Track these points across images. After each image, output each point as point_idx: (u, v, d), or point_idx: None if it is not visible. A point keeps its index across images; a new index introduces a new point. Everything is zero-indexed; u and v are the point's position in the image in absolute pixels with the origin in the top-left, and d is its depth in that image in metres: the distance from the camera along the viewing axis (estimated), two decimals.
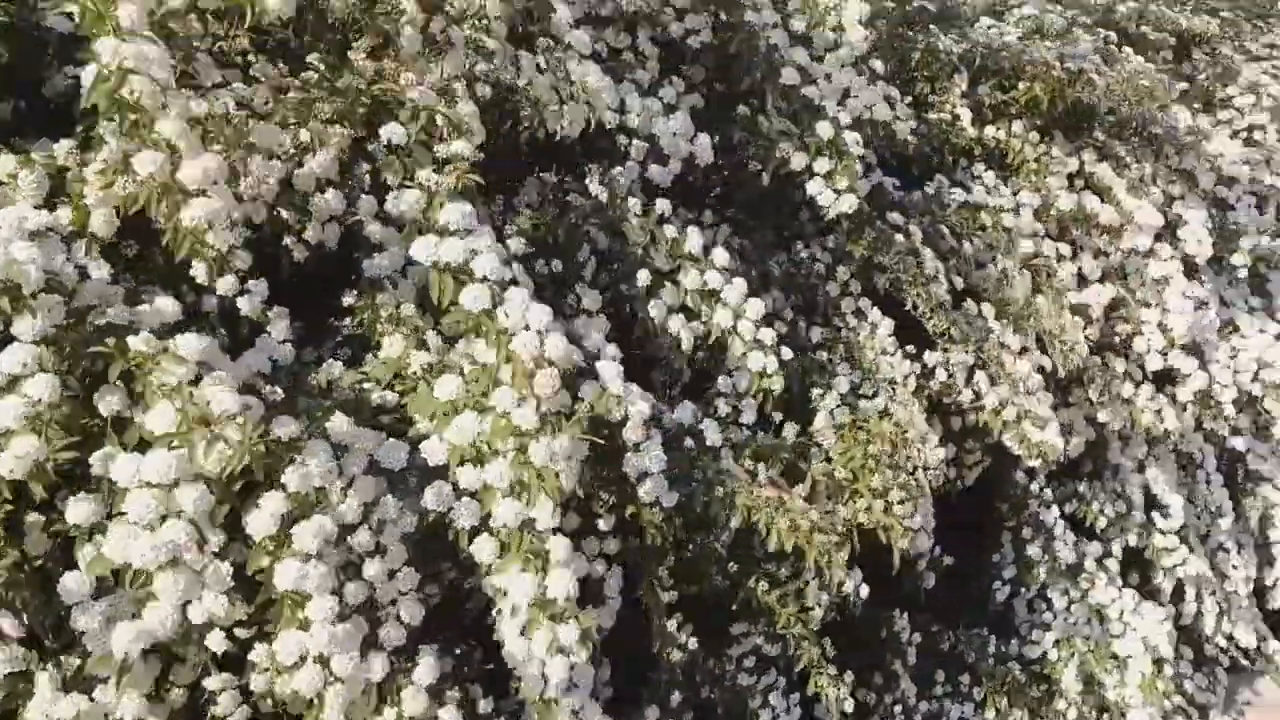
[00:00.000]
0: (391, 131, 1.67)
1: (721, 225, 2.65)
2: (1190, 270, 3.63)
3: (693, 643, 2.25)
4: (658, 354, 2.40)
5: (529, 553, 1.61)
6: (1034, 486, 3.32)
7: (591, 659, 1.68)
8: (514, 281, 1.79)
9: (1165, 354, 3.13)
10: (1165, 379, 3.34)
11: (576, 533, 2.23)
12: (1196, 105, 4.58)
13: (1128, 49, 4.11)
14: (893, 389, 2.56)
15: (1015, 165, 3.21)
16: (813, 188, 2.44)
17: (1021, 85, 3.22)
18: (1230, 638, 4.42)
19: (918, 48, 3.19)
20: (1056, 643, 3.50)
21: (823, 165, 2.40)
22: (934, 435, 2.64)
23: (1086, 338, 3.11)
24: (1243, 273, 3.64)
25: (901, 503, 2.16)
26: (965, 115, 3.07)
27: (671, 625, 2.19)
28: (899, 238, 2.61)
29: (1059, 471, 3.65)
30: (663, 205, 2.21)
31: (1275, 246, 3.99)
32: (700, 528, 2.27)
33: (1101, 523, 3.43)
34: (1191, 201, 3.40)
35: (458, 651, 2.05)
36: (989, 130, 3.20)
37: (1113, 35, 3.99)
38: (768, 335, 2.16)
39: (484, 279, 1.61)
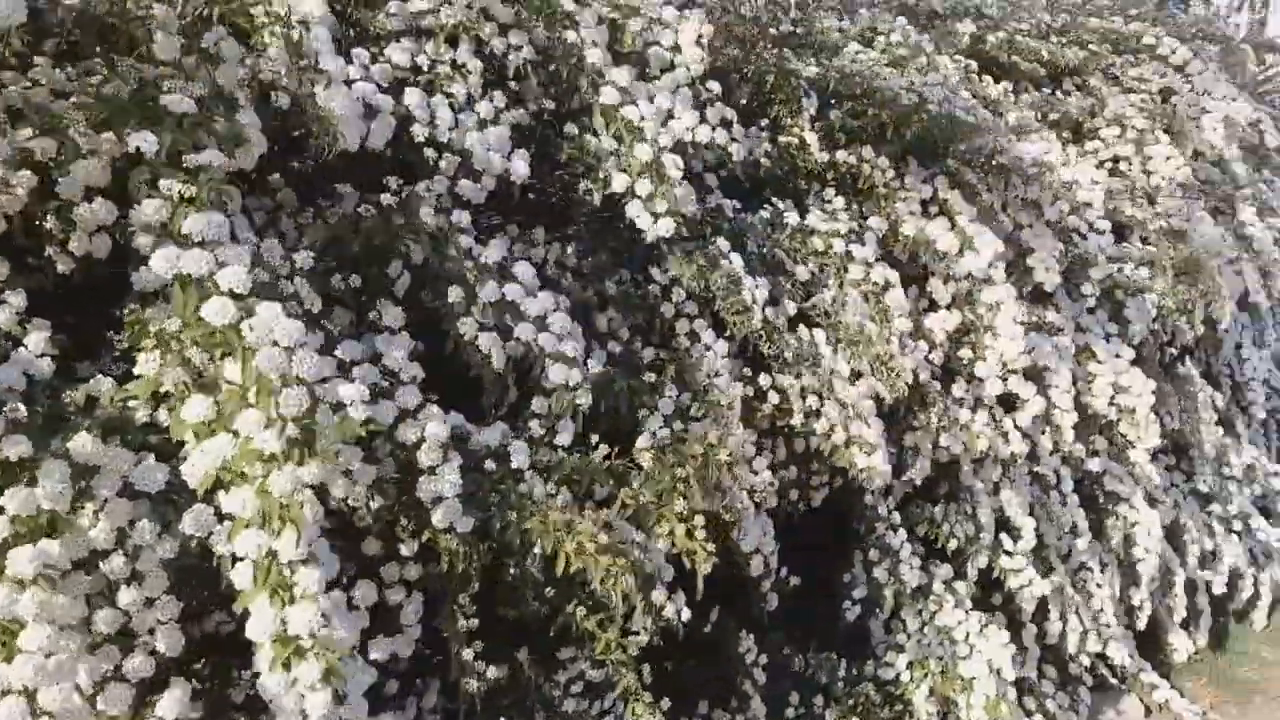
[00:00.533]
0: (141, 139, 1.60)
1: (554, 244, 2.62)
2: (1041, 297, 3.71)
3: (493, 671, 2.20)
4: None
5: (276, 585, 1.54)
6: (882, 509, 3.35)
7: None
8: (283, 296, 1.73)
9: (1004, 379, 3.18)
10: (1010, 403, 3.40)
11: (378, 558, 2.18)
12: (1066, 135, 4.70)
13: (988, 78, 4.21)
14: (722, 411, 2.55)
15: (865, 190, 3.24)
16: (632, 210, 2.42)
17: (870, 112, 3.26)
18: (1098, 656, 4.52)
19: (771, 71, 3.20)
20: (910, 664, 3.52)
21: (644, 188, 2.38)
22: (763, 458, 2.63)
23: (930, 362, 3.15)
24: (1091, 301, 3.72)
25: (705, 527, 2.14)
26: (812, 139, 3.08)
27: (468, 654, 2.13)
28: (724, 262, 2.61)
29: (915, 493, 3.69)
30: (460, 217, 2.16)
31: (1134, 276, 4.10)
32: (513, 552, 2.23)
33: (952, 545, 3.46)
34: (1039, 230, 3.47)
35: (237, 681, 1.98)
36: (840, 155, 3.22)
37: (974, 64, 4.08)
38: (571, 348, 2.12)
39: (230, 292, 1.54)
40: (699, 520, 2.16)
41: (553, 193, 2.65)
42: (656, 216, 2.43)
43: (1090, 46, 4.64)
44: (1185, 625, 5.30)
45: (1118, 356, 4.01)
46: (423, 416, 2.02)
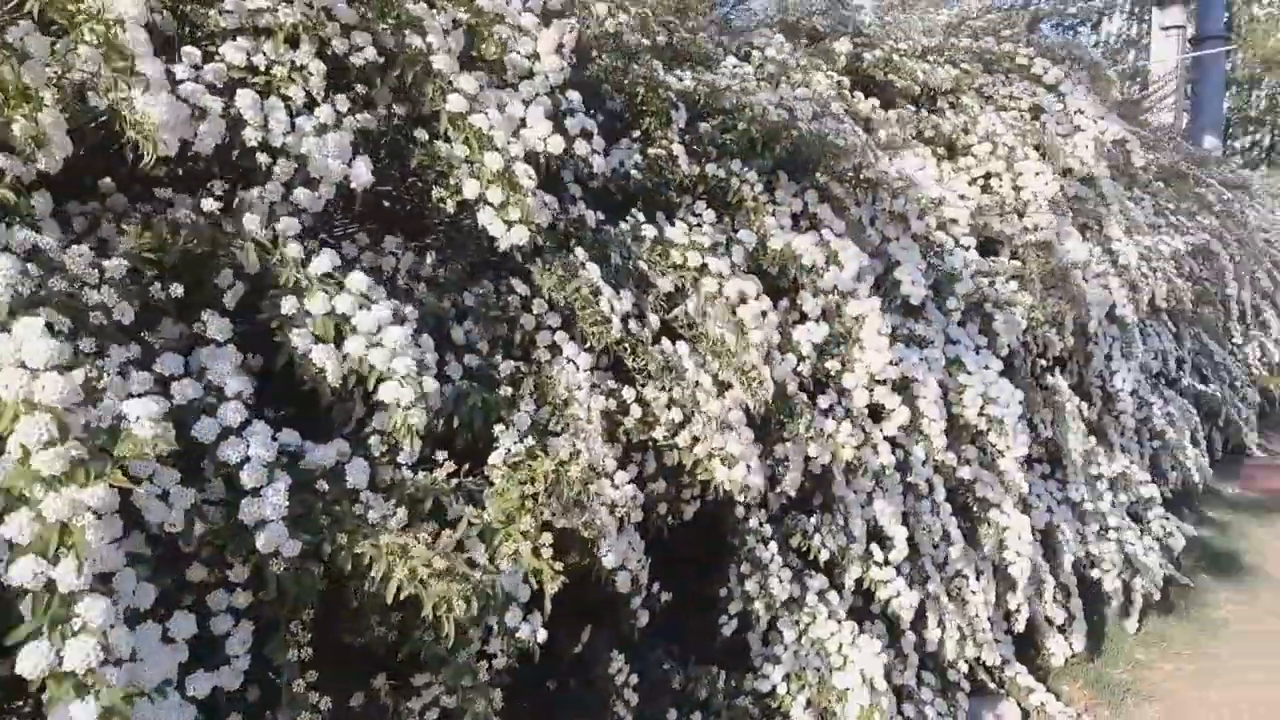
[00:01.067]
0: None
1: (408, 253, 2.53)
2: (911, 310, 3.77)
3: (326, 703, 2.09)
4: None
5: (55, 617, 1.42)
6: (753, 521, 3.34)
7: None
8: (87, 306, 1.61)
9: (871, 390, 3.21)
10: (881, 414, 3.43)
11: (206, 585, 2.05)
12: (941, 151, 4.81)
13: (861, 94, 4.29)
14: (581, 425, 2.49)
15: (735, 204, 3.24)
16: (484, 218, 2.35)
17: (740, 127, 3.26)
18: (975, 662, 4.60)
19: (641, 83, 3.18)
20: (786, 676, 3.51)
21: (495, 195, 2.32)
22: (626, 472, 2.59)
23: (799, 374, 3.16)
24: (958, 315, 3.80)
25: (562, 544, 2.08)
26: (680, 152, 3.07)
27: (300, 685, 2.02)
28: (582, 272, 2.56)
29: (792, 504, 3.70)
30: (288, 225, 2.06)
31: (1001, 289, 4.21)
32: (350, 577, 2.13)
33: (824, 556, 3.48)
34: (906, 243, 3.53)
35: None
36: (710, 168, 3.21)
37: (847, 81, 4.14)
38: (402, 365, 2.03)
39: None
40: (547, 539, 2.10)
41: (408, 200, 2.56)
42: (510, 225, 2.37)
43: (963, 65, 4.77)
44: (1063, 629, 5.46)
45: (986, 368, 4.10)
46: (247, 434, 1.91)
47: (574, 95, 2.63)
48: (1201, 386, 8.31)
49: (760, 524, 3.35)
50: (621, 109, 3.31)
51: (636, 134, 3.24)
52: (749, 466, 2.75)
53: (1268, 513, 7.99)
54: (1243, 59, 23.22)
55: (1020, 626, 4.99)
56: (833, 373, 3.20)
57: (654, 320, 2.69)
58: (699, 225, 3.01)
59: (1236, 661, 5.37)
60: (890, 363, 3.25)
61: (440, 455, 2.24)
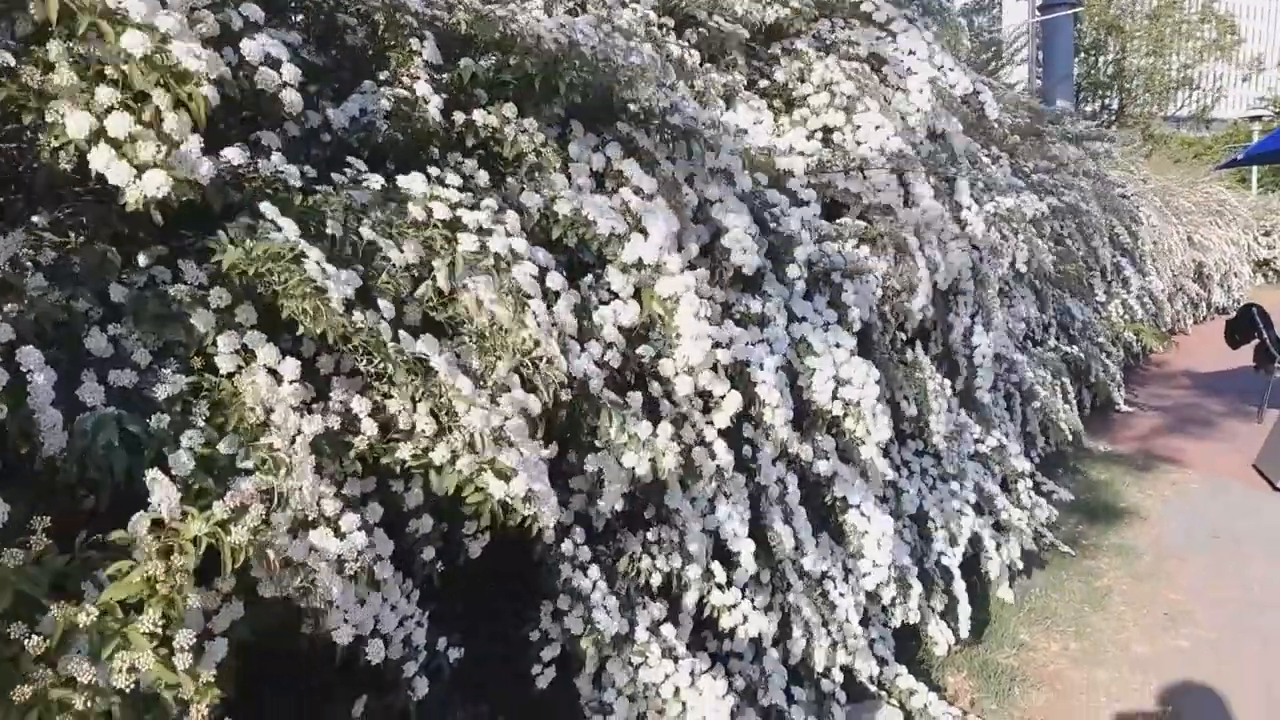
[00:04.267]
0: None
1: (14, 231, 1.81)
2: (744, 282, 3.22)
3: None
4: None
5: None
6: (566, 547, 2.73)
7: None
8: None
9: (694, 376, 2.63)
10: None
11: None
12: (778, 105, 4.30)
13: (678, 40, 3.72)
14: (280, 457, 1.83)
15: (513, 160, 2.61)
16: (98, 160, 1.66)
17: (513, 60, 2.63)
18: (847, 669, 4.14)
19: (379, 8, 2.51)
20: None
21: (118, 125, 1.63)
22: (354, 513, 1.93)
23: (606, 364, 2.56)
24: (800, 285, 3.27)
25: (186, 649, 1.41)
26: (427, 92, 2.41)
27: None
28: (276, 235, 1.89)
29: (622, 520, 3.12)
30: None
31: (849, 254, 3.72)
32: None
33: (656, 580, 2.89)
34: (732, 204, 2.97)
35: None
36: (479, 116, 2.57)
37: (662, 19, 3.56)
38: None
39: None
40: (182, 639, 1.43)
41: (17, 160, 1.84)
42: (141, 170, 1.68)
43: (793, 4, 4.25)
44: (944, 615, 5.10)
45: (838, 346, 3.61)
46: None
47: (254, 8, 1.96)
48: (1068, 348, 8.22)
49: (576, 547, 2.75)
50: (364, 44, 2.64)
51: (385, 75, 2.57)
52: (532, 489, 2.13)
53: (1139, 469, 7.92)
54: (1087, 25, 23.93)
55: (897, 621, 4.57)
56: (646, 359, 2.61)
57: (388, 307, 2.03)
58: (460, 183, 2.35)
59: (1122, 635, 5.11)
60: (717, 345, 2.69)
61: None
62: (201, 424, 1.82)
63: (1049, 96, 14.41)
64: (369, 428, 2.01)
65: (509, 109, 2.58)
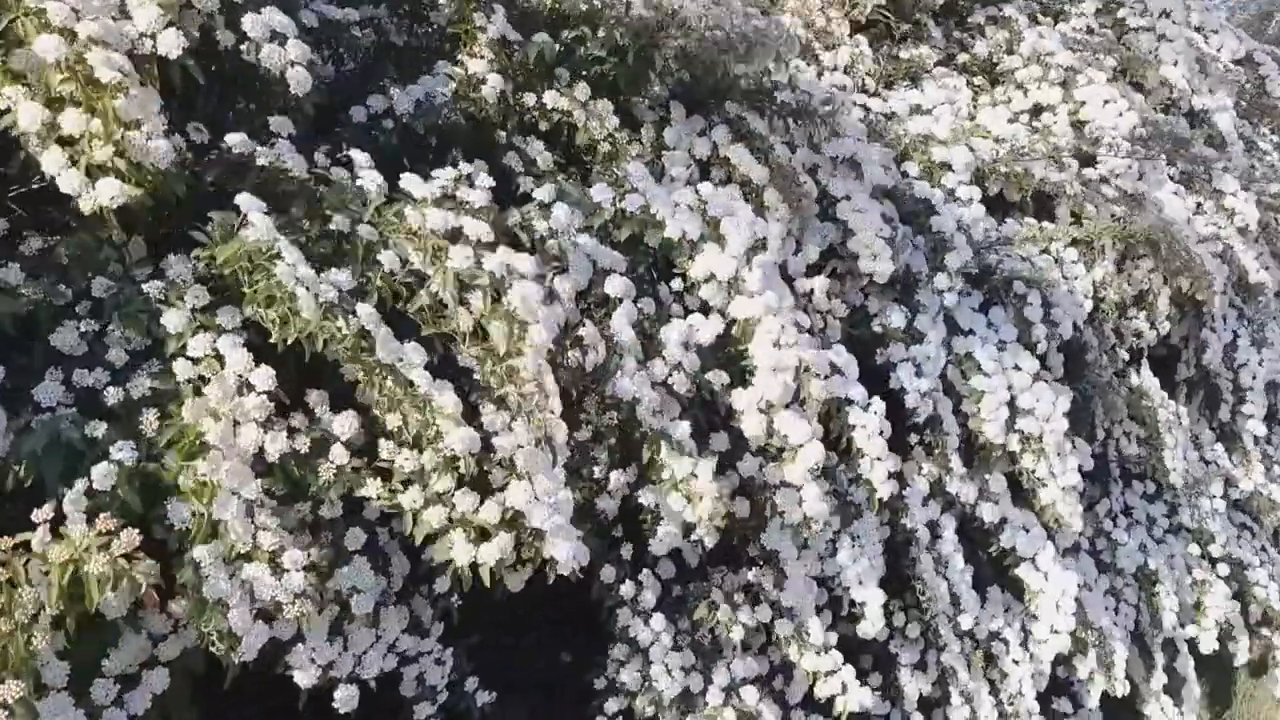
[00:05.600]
0: None
1: None
2: (883, 291, 2.71)
3: None
4: None
5: None
6: (626, 589, 2.39)
7: None
8: None
9: (768, 415, 2.18)
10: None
11: None
12: (978, 80, 3.67)
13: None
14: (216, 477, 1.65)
15: (584, 146, 2.30)
16: (50, 162, 1.53)
17: (602, 33, 2.30)
18: None
19: None
20: None
21: (73, 122, 1.49)
22: (299, 552, 1.71)
23: (668, 386, 2.18)
24: (951, 296, 2.70)
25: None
26: (481, 69, 2.14)
27: None
28: (244, 232, 1.70)
29: (719, 557, 2.73)
30: None
31: (1016, 266, 3.05)
32: None
33: (737, 634, 2.48)
34: (860, 202, 2.47)
35: None
36: (549, 98, 2.27)
37: None
38: None
39: None
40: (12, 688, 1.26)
41: None
42: (94, 172, 1.55)
43: None
44: (1168, 690, 4.27)
45: (1016, 368, 3.00)
46: None
47: None
48: None
49: (636, 591, 2.40)
50: (444, 25, 2.43)
51: (460, 57, 2.34)
52: (539, 528, 1.82)
53: None
54: None
55: (1094, 700, 3.84)
56: (717, 388, 2.21)
57: (369, 313, 1.78)
58: (533, 173, 2.08)
59: None
60: (819, 376, 2.22)
61: None
62: (152, 434, 1.67)
63: None
64: (339, 454, 1.78)
65: (581, 90, 2.26)
